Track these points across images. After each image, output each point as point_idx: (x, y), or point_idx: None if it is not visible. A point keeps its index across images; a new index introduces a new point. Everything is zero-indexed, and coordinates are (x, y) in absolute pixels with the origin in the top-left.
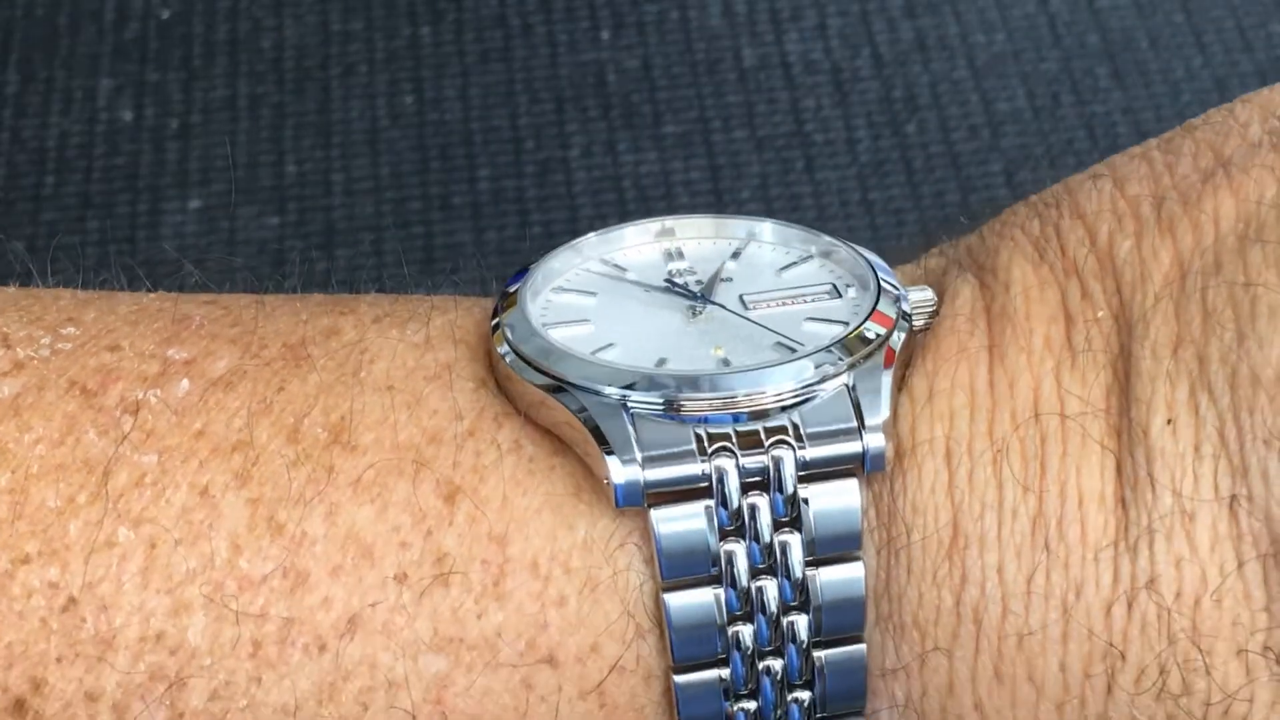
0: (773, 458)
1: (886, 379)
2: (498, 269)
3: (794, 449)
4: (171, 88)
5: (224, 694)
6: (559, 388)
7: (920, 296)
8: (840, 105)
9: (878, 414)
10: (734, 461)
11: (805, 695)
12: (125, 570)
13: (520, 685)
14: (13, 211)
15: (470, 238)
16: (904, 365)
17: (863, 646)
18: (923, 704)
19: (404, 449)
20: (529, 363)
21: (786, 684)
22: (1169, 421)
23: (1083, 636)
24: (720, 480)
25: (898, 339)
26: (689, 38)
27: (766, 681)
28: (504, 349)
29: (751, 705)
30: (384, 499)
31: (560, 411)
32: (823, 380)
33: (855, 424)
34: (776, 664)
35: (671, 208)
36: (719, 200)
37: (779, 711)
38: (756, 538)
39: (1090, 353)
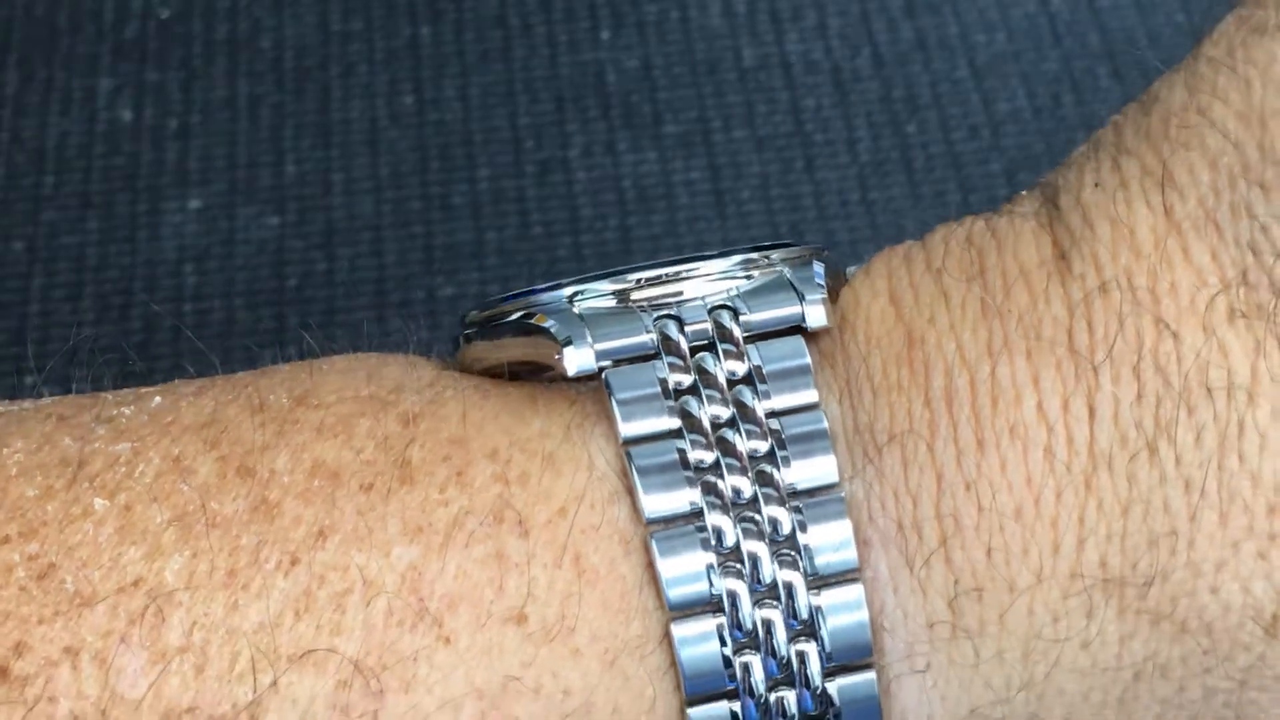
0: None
1: (819, 266)
2: (498, 269)
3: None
4: (171, 87)
5: (203, 624)
6: (508, 323)
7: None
8: (840, 105)
9: (814, 287)
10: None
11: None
12: (102, 532)
13: (493, 558)
14: (12, 211)
15: (470, 238)
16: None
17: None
18: (916, 519)
19: (365, 400)
20: (482, 321)
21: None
22: (1096, 185)
23: (1053, 371)
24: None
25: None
26: (689, 38)
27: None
28: (462, 335)
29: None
30: (347, 433)
31: (512, 342)
32: (756, 263)
33: (793, 293)
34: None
35: (671, 208)
36: (719, 200)
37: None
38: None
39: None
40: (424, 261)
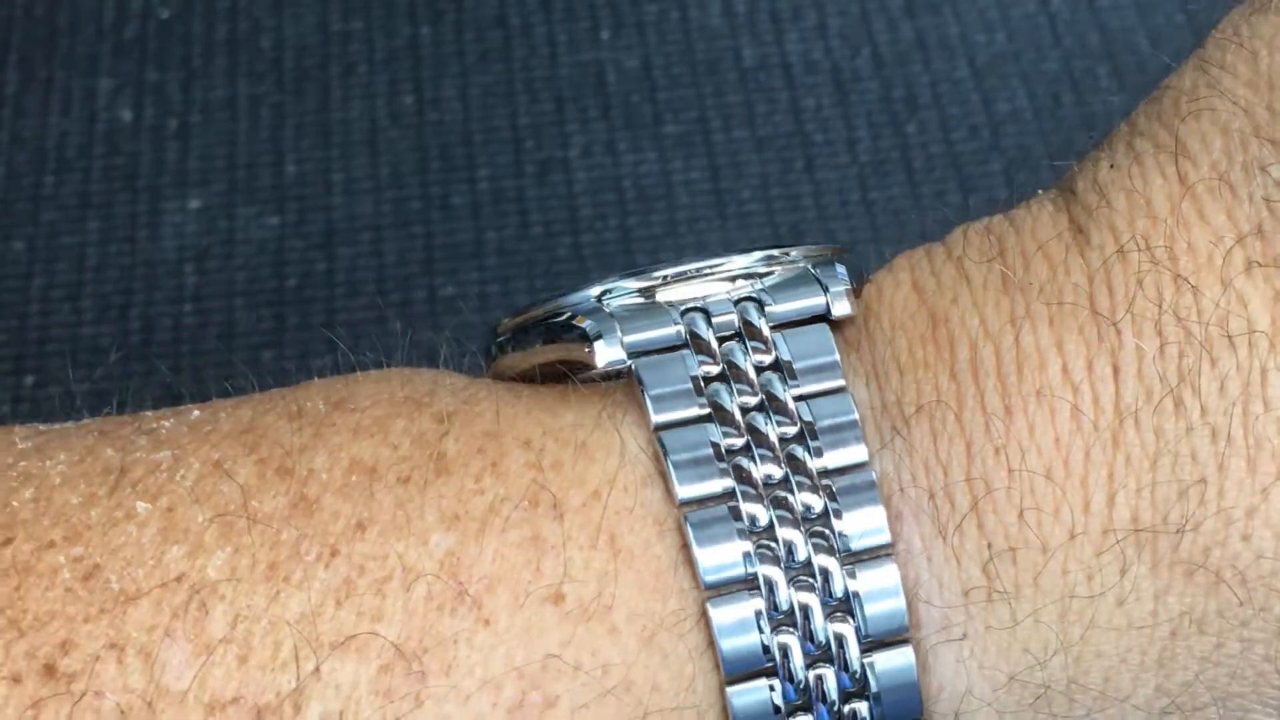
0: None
1: (840, 267)
2: (498, 269)
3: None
4: (171, 87)
5: (246, 615)
6: (537, 327)
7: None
8: (840, 105)
9: (838, 279)
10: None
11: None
12: (145, 533)
13: (529, 541)
14: (12, 211)
15: (470, 238)
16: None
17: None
18: (947, 487)
19: (400, 402)
20: (513, 329)
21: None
22: (1111, 166)
23: (1076, 334)
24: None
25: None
26: (689, 38)
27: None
28: (494, 345)
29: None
30: (384, 432)
31: (542, 348)
32: (779, 259)
33: (817, 285)
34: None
35: (671, 208)
36: (719, 200)
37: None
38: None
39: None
40: (424, 261)
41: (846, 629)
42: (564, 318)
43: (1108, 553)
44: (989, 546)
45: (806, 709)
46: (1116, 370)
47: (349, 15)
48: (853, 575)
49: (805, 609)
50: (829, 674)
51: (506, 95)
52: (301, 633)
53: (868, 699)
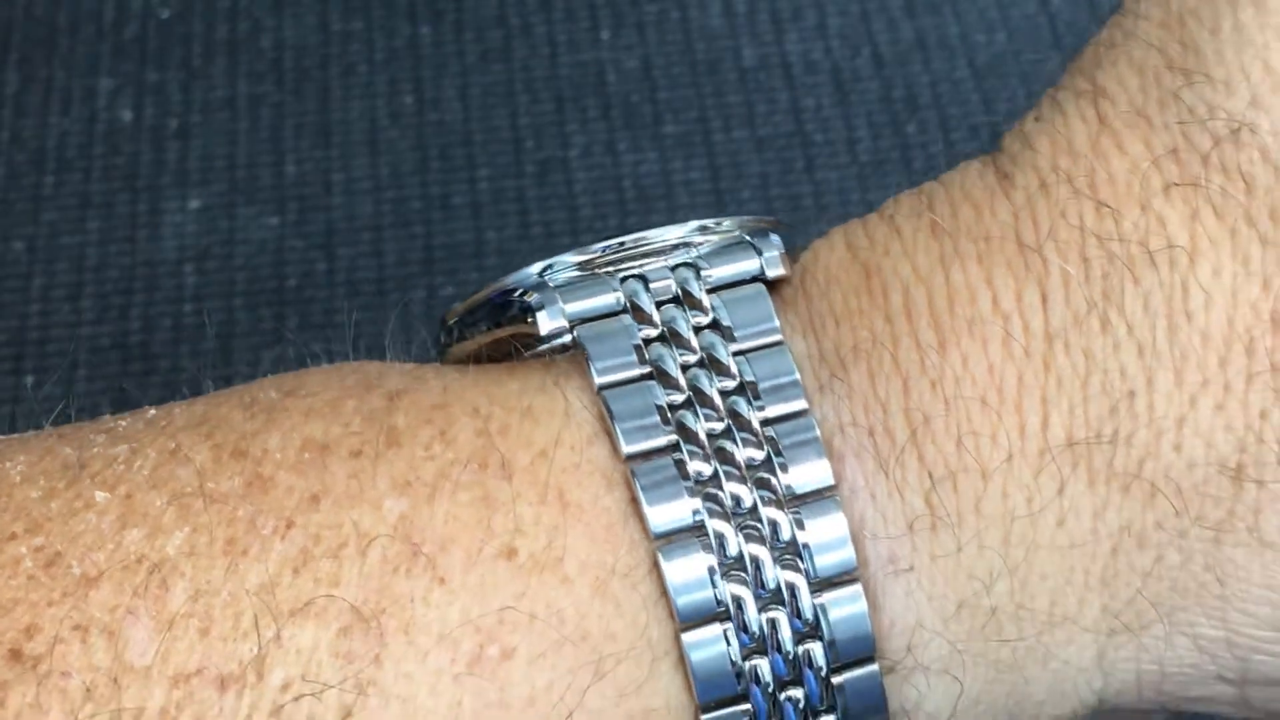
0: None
1: (774, 235)
2: (498, 269)
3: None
4: (171, 87)
5: (206, 590)
6: (482, 308)
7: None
8: (840, 105)
9: (771, 244)
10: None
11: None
12: (105, 520)
13: (480, 501)
14: (12, 211)
15: (470, 238)
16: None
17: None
18: (887, 424)
19: (351, 386)
20: (460, 315)
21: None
22: (1035, 119)
23: (1004, 268)
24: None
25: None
26: (689, 38)
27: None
28: (442, 334)
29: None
30: (335, 413)
31: (491, 330)
32: (713, 229)
33: (752, 250)
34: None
35: (671, 207)
36: (719, 200)
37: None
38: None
39: None
40: (424, 261)
41: (797, 577)
42: (507, 296)
43: (1045, 472)
44: (930, 476)
45: (761, 652)
46: (1044, 297)
47: (349, 15)
48: (800, 525)
49: (756, 560)
50: (782, 618)
51: (506, 95)
52: (261, 602)
53: (821, 640)
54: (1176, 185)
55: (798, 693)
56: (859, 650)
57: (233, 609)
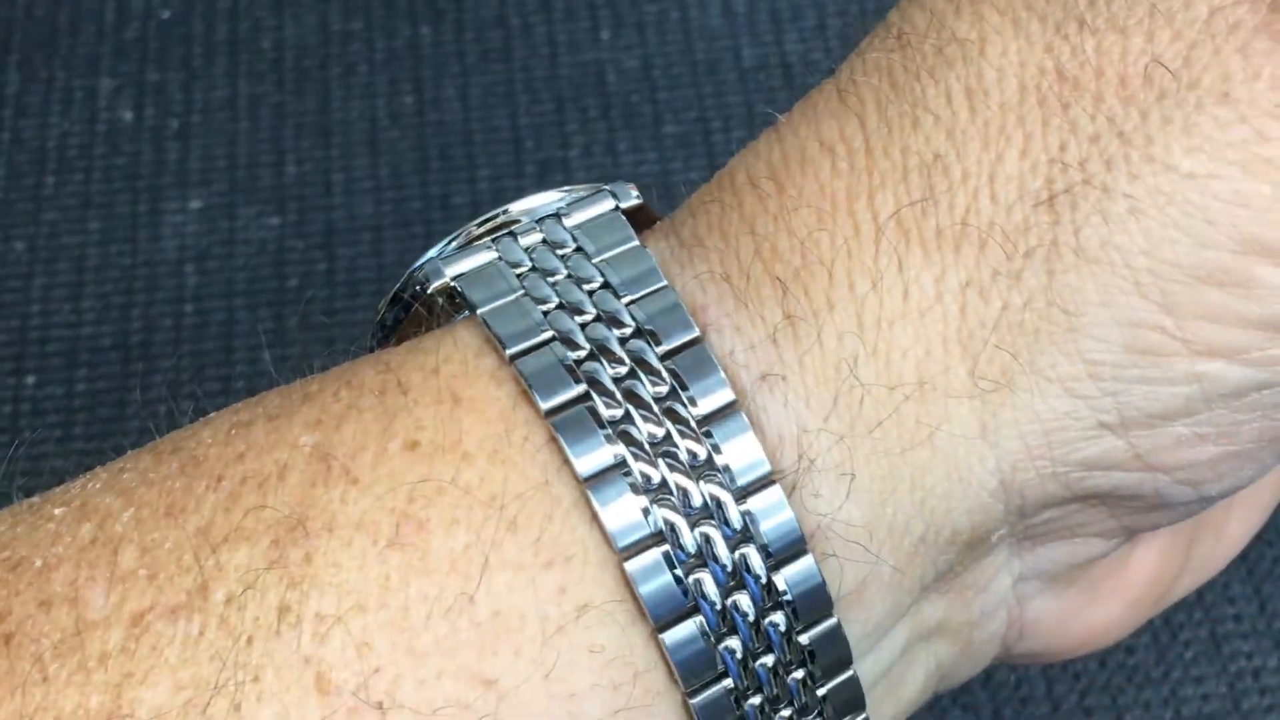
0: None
1: (630, 187)
2: None
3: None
4: (171, 88)
5: (151, 546)
6: (395, 302)
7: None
8: None
9: (629, 193)
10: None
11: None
12: (61, 525)
13: (383, 415)
14: (13, 211)
15: None
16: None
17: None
18: (741, 267)
19: (275, 390)
20: (382, 315)
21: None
22: None
23: (829, 117)
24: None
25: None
26: (689, 38)
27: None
28: (371, 336)
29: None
30: (258, 401)
31: (403, 317)
32: (574, 193)
33: (610, 196)
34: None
35: (671, 208)
36: None
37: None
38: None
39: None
40: None
41: (679, 425)
42: (411, 285)
43: (882, 253)
44: (782, 288)
45: (666, 496)
46: (862, 122)
47: (349, 15)
48: (676, 377)
49: (637, 412)
50: (681, 449)
51: (506, 95)
52: (199, 541)
53: (716, 470)
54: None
55: (713, 531)
56: (785, 535)
57: (175, 554)
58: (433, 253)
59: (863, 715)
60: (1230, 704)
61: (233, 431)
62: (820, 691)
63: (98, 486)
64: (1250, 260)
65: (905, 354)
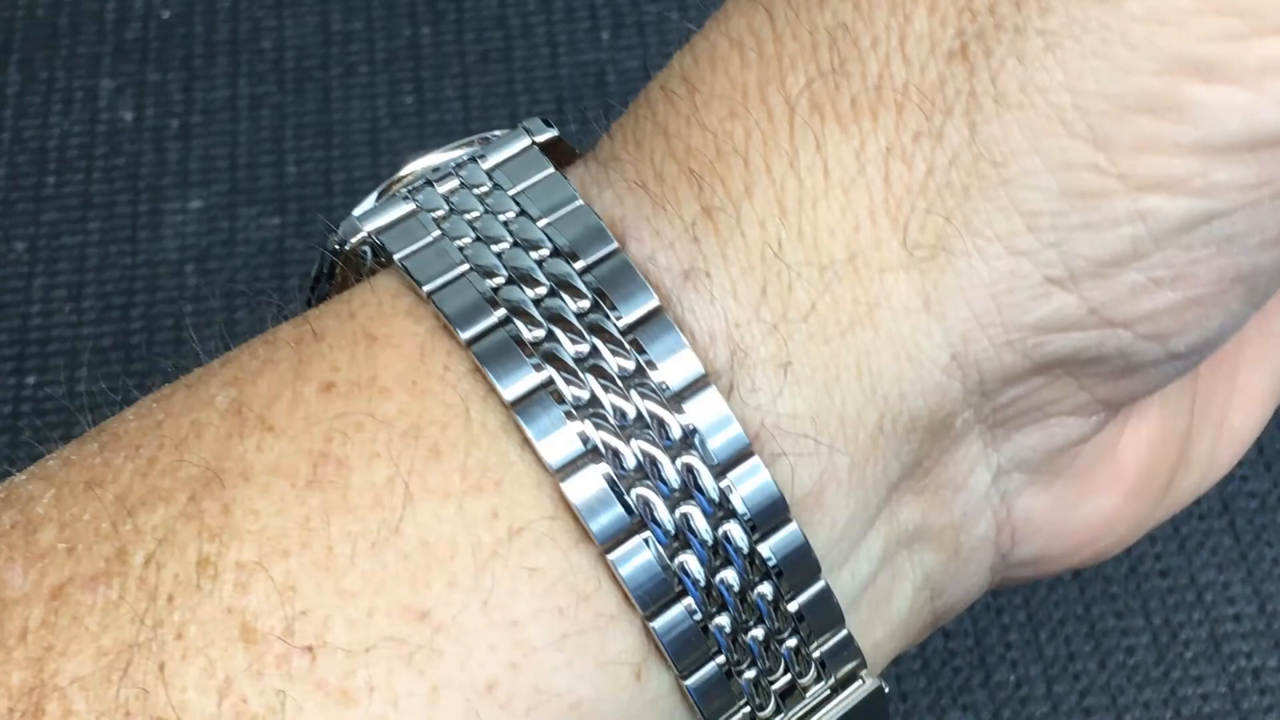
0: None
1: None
2: None
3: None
4: (172, 88)
5: (70, 521)
6: (323, 269)
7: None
8: None
9: (540, 126)
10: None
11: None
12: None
13: (297, 363)
14: (13, 211)
15: None
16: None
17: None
18: (656, 171)
19: (214, 361)
20: (311, 288)
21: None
22: None
23: (736, 14)
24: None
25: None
26: (689, 38)
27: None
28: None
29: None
30: (184, 382)
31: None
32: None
33: (523, 132)
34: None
35: None
36: None
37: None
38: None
39: None
40: None
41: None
42: (336, 248)
43: (797, 132)
44: (697, 181)
45: (593, 415)
46: (770, 15)
47: (349, 16)
48: (603, 295)
49: (555, 331)
50: (610, 363)
51: (506, 95)
52: (116, 509)
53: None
54: None
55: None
56: (732, 444)
57: (93, 524)
58: (356, 212)
59: (843, 630)
60: (1230, 704)
61: (153, 404)
62: (791, 607)
63: (22, 478)
64: (1177, 81)
65: (833, 232)
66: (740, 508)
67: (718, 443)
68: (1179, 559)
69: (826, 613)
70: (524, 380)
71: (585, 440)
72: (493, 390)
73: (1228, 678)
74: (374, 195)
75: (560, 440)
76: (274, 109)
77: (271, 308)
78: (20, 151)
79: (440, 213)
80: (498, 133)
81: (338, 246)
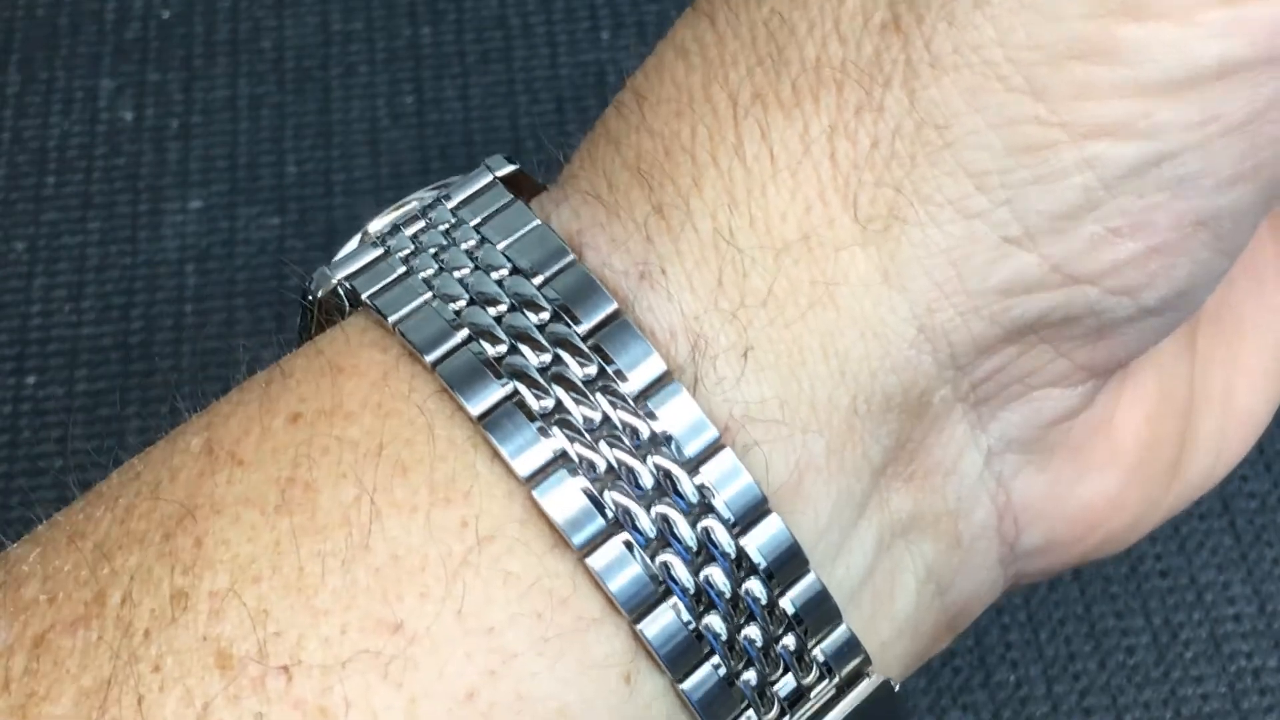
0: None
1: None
2: None
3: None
4: (172, 88)
5: (53, 574)
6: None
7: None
8: None
9: (501, 162)
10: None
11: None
12: None
13: (264, 399)
14: (13, 211)
15: None
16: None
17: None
18: (607, 179)
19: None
20: (299, 335)
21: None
22: None
23: (683, 27)
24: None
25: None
26: None
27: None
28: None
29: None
30: (198, 412)
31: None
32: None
33: (485, 170)
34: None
35: None
36: None
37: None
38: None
39: None
40: None
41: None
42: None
43: (740, 123)
44: (646, 181)
45: (559, 420)
46: (712, 21)
47: (349, 16)
48: (566, 310)
49: (521, 336)
50: (574, 370)
51: (506, 95)
52: (95, 557)
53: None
54: None
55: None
56: (696, 432)
57: (74, 574)
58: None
59: (842, 626)
60: (1230, 704)
61: (135, 461)
62: (784, 604)
63: (14, 545)
64: (1107, 22)
65: (784, 216)
66: (717, 503)
67: (687, 438)
68: (1179, 559)
69: (821, 608)
70: (489, 395)
71: (555, 448)
72: (459, 408)
73: (1228, 678)
74: (346, 248)
75: (528, 449)
76: (274, 109)
77: (272, 308)
78: (20, 151)
79: (407, 251)
80: (457, 178)
81: (314, 298)
